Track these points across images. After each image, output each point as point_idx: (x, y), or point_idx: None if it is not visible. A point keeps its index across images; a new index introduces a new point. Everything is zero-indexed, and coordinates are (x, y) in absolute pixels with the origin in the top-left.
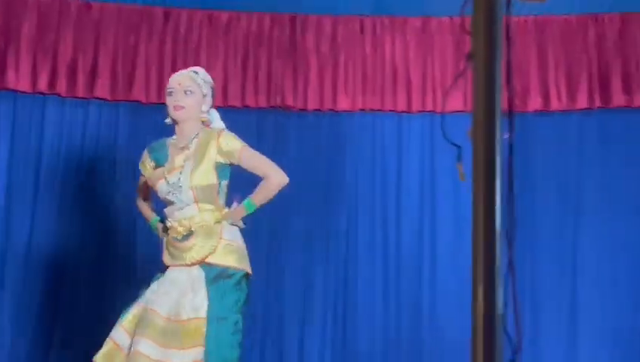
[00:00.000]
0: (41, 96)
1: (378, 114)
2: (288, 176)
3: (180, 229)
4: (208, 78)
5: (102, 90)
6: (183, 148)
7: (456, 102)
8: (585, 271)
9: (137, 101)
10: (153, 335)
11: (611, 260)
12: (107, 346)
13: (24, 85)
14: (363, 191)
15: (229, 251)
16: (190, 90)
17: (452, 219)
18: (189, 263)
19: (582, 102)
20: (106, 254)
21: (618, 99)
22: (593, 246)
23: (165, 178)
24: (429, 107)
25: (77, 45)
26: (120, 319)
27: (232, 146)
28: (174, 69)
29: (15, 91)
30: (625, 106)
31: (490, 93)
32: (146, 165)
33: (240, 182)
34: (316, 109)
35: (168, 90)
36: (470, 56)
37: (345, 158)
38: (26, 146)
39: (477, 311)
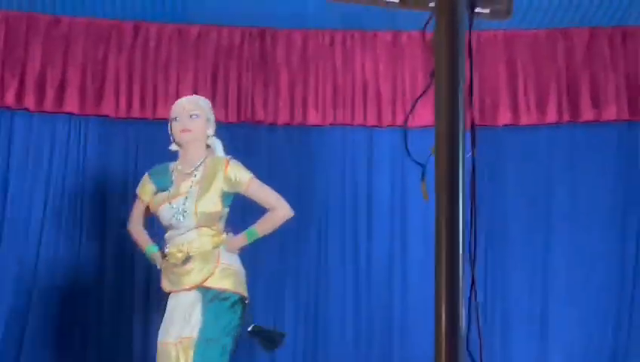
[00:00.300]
0: (9, 110)
1: (348, 128)
2: None
3: (179, 255)
4: (209, 103)
5: (71, 104)
6: (188, 175)
7: (426, 117)
8: (555, 284)
9: (106, 115)
10: None
11: (582, 273)
12: None
13: None
14: (334, 205)
15: (227, 275)
16: (196, 113)
17: (422, 233)
18: (188, 287)
19: (551, 116)
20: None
21: (587, 113)
22: (564, 259)
23: (170, 203)
24: (400, 121)
25: (45, 59)
26: None
27: (241, 178)
28: (144, 83)
29: None
30: (593, 121)
31: (452, 109)
32: (147, 190)
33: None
34: (286, 123)
35: (173, 117)
36: (432, 73)
37: (315, 173)
38: None
39: (439, 331)
